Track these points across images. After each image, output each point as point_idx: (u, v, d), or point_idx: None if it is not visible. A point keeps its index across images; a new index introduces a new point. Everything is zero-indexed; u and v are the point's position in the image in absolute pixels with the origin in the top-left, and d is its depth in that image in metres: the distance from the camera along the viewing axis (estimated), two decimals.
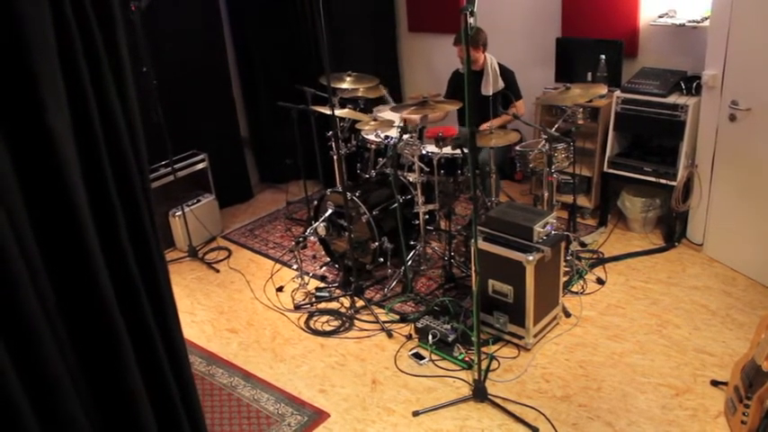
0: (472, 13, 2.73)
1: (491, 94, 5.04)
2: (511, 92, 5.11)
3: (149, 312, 1.69)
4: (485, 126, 4.82)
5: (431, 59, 6.52)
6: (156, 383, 1.74)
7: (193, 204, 5.48)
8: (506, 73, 5.13)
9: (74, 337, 1.52)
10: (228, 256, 5.41)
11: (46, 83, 1.31)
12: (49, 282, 1.42)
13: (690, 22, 4.77)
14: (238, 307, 4.70)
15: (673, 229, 5.01)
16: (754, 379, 3.09)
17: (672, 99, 4.72)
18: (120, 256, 1.58)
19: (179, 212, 5.32)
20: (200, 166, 5.65)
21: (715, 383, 3.58)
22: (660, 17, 4.98)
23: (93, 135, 1.45)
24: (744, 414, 3.13)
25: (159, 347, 1.74)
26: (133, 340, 1.64)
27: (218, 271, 5.19)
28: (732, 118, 4.34)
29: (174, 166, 5.23)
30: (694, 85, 4.71)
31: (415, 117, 4.44)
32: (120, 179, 1.57)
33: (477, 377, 3.59)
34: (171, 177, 5.25)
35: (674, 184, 4.80)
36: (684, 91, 4.77)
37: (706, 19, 4.61)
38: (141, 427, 1.68)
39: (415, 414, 3.56)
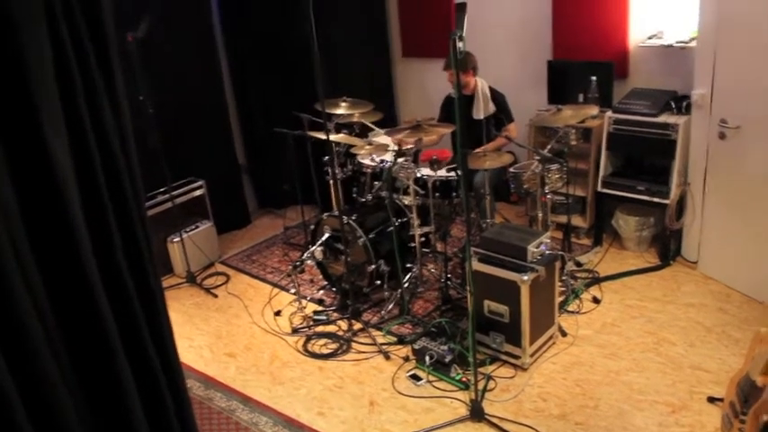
0: (461, 38, 2.79)
1: (482, 117, 5.11)
2: (503, 115, 5.18)
3: (147, 333, 1.72)
4: (479, 151, 4.87)
5: (424, 84, 6.60)
6: (152, 400, 1.77)
7: (191, 230, 5.52)
8: (497, 96, 5.20)
9: (73, 361, 1.55)
10: (227, 282, 5.44)
11: (45, 110, 1.35)
12: (49, 304, 1.46)
13: (678, 42, 4.85)
14: (236, 331, 4.72)
15: (667, 247, 5.05)
16: (750, 394, 3.10)
17: (662, 118, 4.78)
18: (117, 277, 1.61)
19: (177, 239, 5.36)
20: (198, 192, 5.70)
21: (711, 400, 3.59)
22: (649, 38, 5.07)
23: (89, 160, 1.49)
24: (740, 430, 3.14)
25: (157, 368, 1.76)
26: (133, 367, 1.67)
27: (216, 296, 5.22)
28: (722, 136, 4.39)
29: (172, 194, 5.28)
30: (684, 104, 4.77)
31: (409, 139, 4.48)
32: (116, 203, 1.61)
33: (474, 397, 3.60)
34: (169, 204, 5.29)
35: (667, 202, 4.85)
36: (675, 110, 4.84)
37: (693, 39, 4.69)
38: None
39: None
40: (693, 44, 4.67)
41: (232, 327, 4.78)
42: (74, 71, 1.43)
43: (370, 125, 5.26)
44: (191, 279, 5.40)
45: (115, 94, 1.57)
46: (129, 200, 1.62)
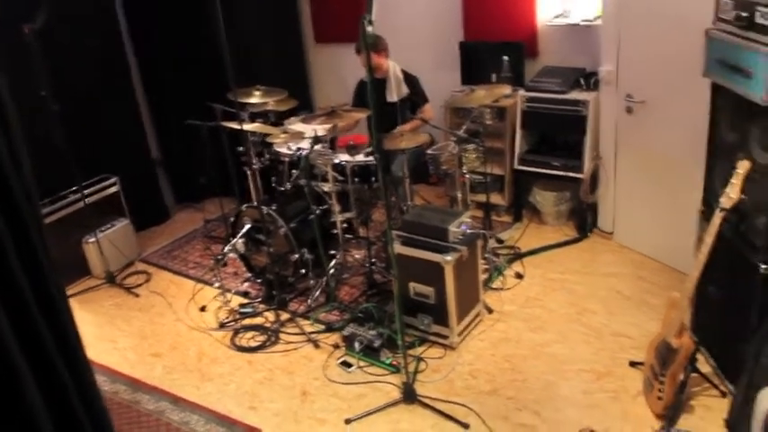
0: (371, 22, 2.79)
1: (396, 100, 5.12)
2: (417, 97, 5.20)
3: (48, 337, 1.65)
4: (396, 131, 4.89)
5: (340, 70, 6.56)
6: (62, 411, 1.70)
7: (107, 229, 5.34)
8: (410, 79, 5.22)
9: None
10: (148, 280, 5.30)
11: None
12: None
13: (583, 21, 4.98)
14: (161, 330, 4.61)
15: (584, 219, 5.19)
16: (667, 357, 3.24)
17: (573, 95, 4.91)
18: (12, 284, 1.53)
19: (92, 239, 5.18)
20: (112, 189, 5.52)
21: (633, 364, 3.73)
22: (556, 17, 5.18)
23: None
24: (660, 390, 3.27)
25: (65, 376, 1.69)
26: (34, 371, 1.60)
27: (137, 295, 5.08)
28: (629, 110, 4.53)
29: (84, 192, 5.09)
30: (593, 80, 4.91)
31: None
32: (6, 208, 1.52)
33: (405, 380, 3.62)
34: (81, 204, 5.10)
35: (581, 176, 4.98)
36: (584, 87, 4.97)
37: (598, 18, 4.81)
38: None
39: (348, 422, 3.57)
40: (598, 22, 4.80)
41: (156, 326, 4.66)
42: None
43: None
44: (110, 279, 5.24)
45: (1, 102, 1.48)
46: (20, 205, 1.54)
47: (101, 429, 1.90)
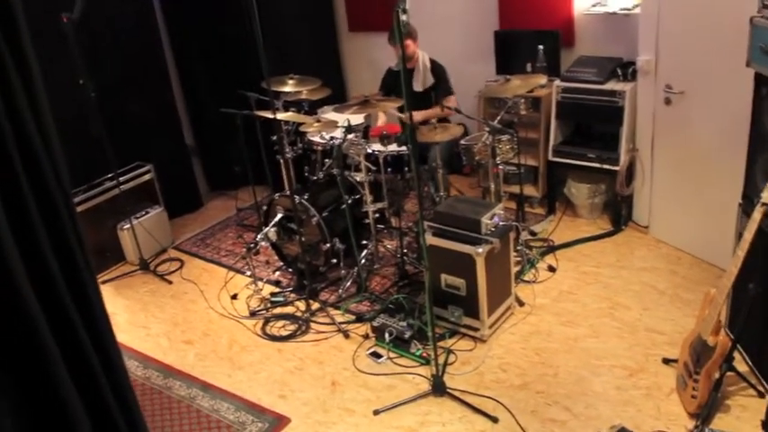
0: (405, 11, 2.76)
1: (421, 89, 5.10)
2: (441, 87, 5.16)
3: (78, 320, 1.66)
4: (417, 117, 4.84)
5: (372, 58, 6.53)
6: (90, 393, 1.72)
7: (142, 217, 5.40)
8: (437, 68, 5.19)
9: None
10: (181, 267, 5.35)
11: None
12: None
13: (621, 9, 4.88)
14: (193, 317, 4.65)
15: (619, 213, 5.11)
16: (702, 354, 3.17)
17: (609, 85, 4.82)
18: (44, 270, 1.54)
19: (127, 226, 5.24)
20: (147, 177, 5.57)
21: (666, 361, 3.66)
22: (593, 6, 5.09)
23: (6, 154, 1.41)
24: (694, 389, 3.21)
25: (92, 357, 1.71)
26: (64, 353, 1.61)
27: (170, 282, 5.13)
28: (667, 101, 4.44)
29: (119, 179, 5.14)
30: (630, 70, 4.81)
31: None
32: (38, 192, 1.53)
33: (435, 372, 3.61)
34: (116, 191, 5.16)
35: (617, 168, 4.90)
36: (621, 77, 4.87)
37: (637, 6, 4.72)
38: None
39: (376, 413, 3.57)
40: (637, 11, 4.70)
41: (188, 313, 4.71)
42: None
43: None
44: (144, 266, 5.30)
45: (31, 82, 1.49)
46: (52, 188, 1.54)
47: (128, 412, 1.91)
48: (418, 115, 4.92)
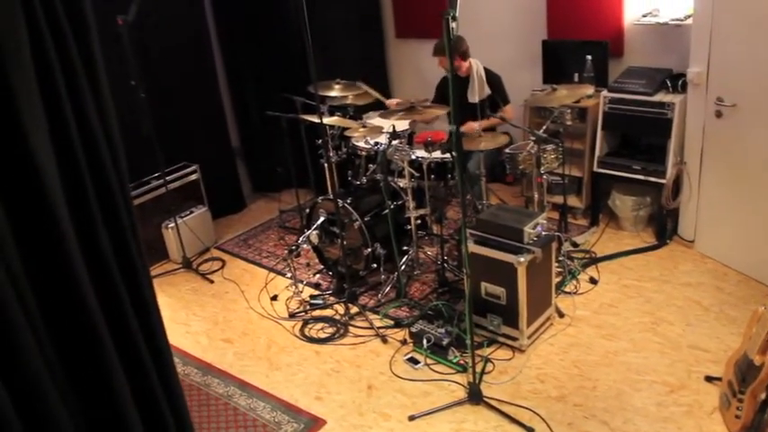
0: (454, 18, 2.75)
1: (477, 101, 5.06)
2: (498, 97, 5.13)
3: (132, 316, 1.70)
4: (473, 126, 4.83)
5: (419, 65, 6.55)
6: (140, 384, 1.75)
7: (186, 216, 5.48)
8: (493, 78, 5.16)
9: (58, 344, 1.53)
10: (222, 267, 5.42)
11: (24, 103, 1.32)
12: (30, 288, 1.43)
13: (673, 20, 4.81)
14: (233, 317, 4.70)
15: (664, 226, 5.03)
16: (747, 373, 3.10)
17: (658, 97, 4.75)
18: (103, 264, 1.58)
19: (172, 224, 5.33)
20: (192, 177, 5.66)
21: (709, 379, 3.59)
22: (644, 16, 5.03)
23: (72, 149, 1.46)
24: (738, 409, 3.14)
25: (143, 348, 1.75)
26: (117, 344, 1.65)
27: (212, 282, 5.20)
28: (718, 114, 4.36)
29: (166, 179, 5.24)
30: (680, 82, 4.73)
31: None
32: (100, 189, 1.58)
33: (472, 380, 3.60)
34: (163, 190, 5.25)
35: (663, 181, 4.83)
36: (670, 89, 4.80)
37: (689, 17, 4.65)
38: (126, 426, 1.69)
39: (411, 418, 3.56)
40: (689, 21, 4.63)
41: (229, 312, 4.77)
42: (50, 54, 1.39)
43: (377, 95, 5.19)
44: (186, 265, 5.38)
45: (96, 78, 1.53)
46: (113, 188, 1.59)
47: (176, 408, 1.95)
48: (477, 125, 4.89)
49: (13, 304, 1.35)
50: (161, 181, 5.22)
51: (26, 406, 1.41)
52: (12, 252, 1.37)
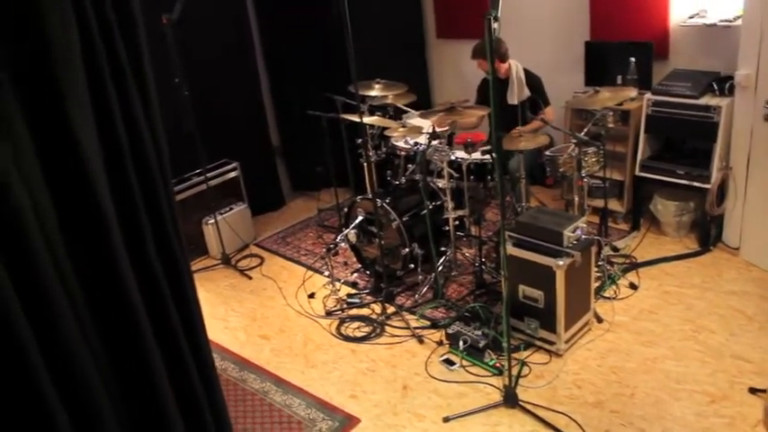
0: (496, 19, 2.73)
1: (517, 103, 5.02)
2: (538, 99, 5.09)
3: (173, 309, 1.72)
4: (515, 131, 4.80)
5: (460, 65, 6.52)
6: (179, 377, 1.78)
7: (226, 212, 5.55)
8: (533, 79, 5.11)
9: (102, 335, 1.56)
10: (261, 264, 5.46)
11: (72, 96, 1.34)
12: (77, 282, 1.46)
13: (721, 21, 4.71)
14: (271, 313, 4.74)
15: (707, 232, 4.93)
16: None
17: (704, 100, 4.66)
18: (146, 259, 1.61)
19: (212, 221, 5.39)
20: (233, 174, 5.72)
21: (753, 391, 3.50)
22: (691, 18, 4.93)
23: (118, 144, 1.48)
24: None
25: (182, 341, 1.77)
26: (157, 336, 1.67)
27: (250, 278, 5.25)
28: (767, 118, 4.26)
29: (207, 176, 5.30)
30: (727, 85, 4.64)
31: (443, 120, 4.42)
32: (144, 186, 1.60)
33: (507, 383, 3.57)
34: (203, 186, 5.31)
35: (707, 186, 4.73)
36: (717, 92, 4.70)
37: (738, 18, 4.55)
38: (166, 418, 1.71)
39: (446, 420, 3.55)
40: (738, 23, 4.53)
41: (266, 309, 4.80)
42: (100, 55, 1.42)
43: (402, 107, 5.22)
44: (225, 261, 5.44)
45: (144, 78, 1.56)
46: (157, 185, 1.61)
47: (214, 403, 1.97)
48: (524, 129, 4.86)
49: (62, 300, 1.38)
50: (202, 177, 5.28)
51: (71, 395, 1.44)
52: (59, 247, 1.40)
